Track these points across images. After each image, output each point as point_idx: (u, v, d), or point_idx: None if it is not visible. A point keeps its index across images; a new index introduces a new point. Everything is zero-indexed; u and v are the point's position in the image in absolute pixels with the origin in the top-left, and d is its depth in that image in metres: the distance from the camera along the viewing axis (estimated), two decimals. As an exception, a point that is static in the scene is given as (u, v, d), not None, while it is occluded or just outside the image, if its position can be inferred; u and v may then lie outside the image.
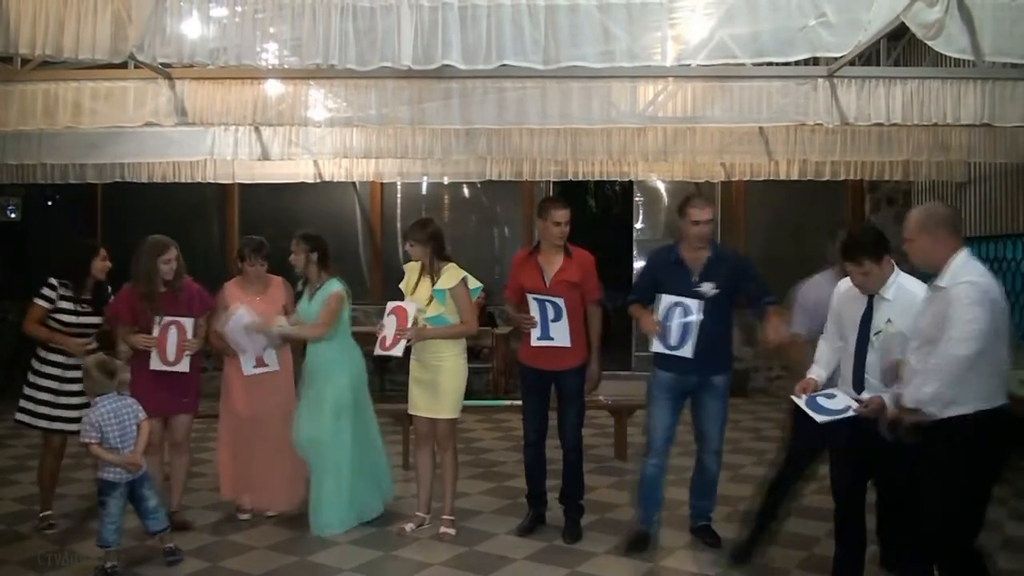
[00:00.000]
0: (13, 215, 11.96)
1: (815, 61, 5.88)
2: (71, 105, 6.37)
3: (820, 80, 6.14)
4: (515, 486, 6.82)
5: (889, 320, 4.25)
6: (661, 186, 11.84)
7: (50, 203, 12.27)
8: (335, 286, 5.93)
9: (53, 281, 5.81)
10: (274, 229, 11.81)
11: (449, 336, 5.72)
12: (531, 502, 5.99)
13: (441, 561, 5.34)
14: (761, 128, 7.78)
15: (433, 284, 5.70)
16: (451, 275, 5.71)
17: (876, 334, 4.28)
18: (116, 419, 5.00)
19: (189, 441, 6.10)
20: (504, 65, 4.76)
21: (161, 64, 5.62)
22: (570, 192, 13.12)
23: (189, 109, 6.32)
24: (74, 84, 6.37)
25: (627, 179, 10.73)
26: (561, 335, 5.63)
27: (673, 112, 6.55)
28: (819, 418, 4.25)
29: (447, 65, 4.71)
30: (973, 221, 9.57)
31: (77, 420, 5.41)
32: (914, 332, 4.04)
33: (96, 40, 4.84)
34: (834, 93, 6.13)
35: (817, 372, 4.57)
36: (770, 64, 5.77)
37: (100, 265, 5.94)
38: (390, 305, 5.76)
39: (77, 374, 5.51)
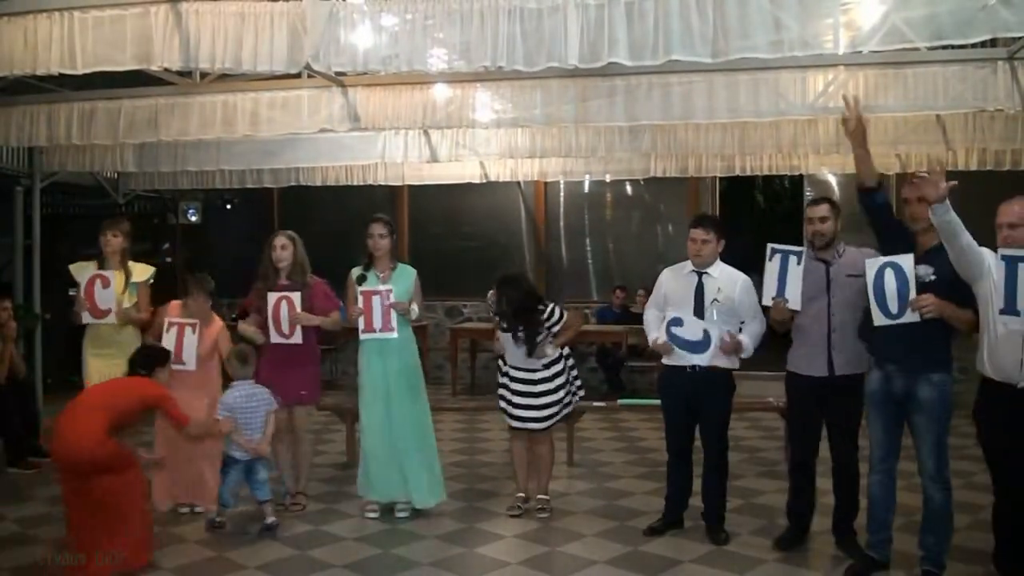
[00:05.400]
0: (194, 218, 12.79)
1: (993, 43, 5.58)
2: (249, 115, 6.73)
3: (1000, 63, 5.85)
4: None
5: None
6: (832, 180, 11.43)
7: (228, 206, 13.01)
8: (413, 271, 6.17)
9: None
10: (442, 228, 12.17)
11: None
12: None
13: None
14: (938, 116, 7.41)
15: None
16: None
17: None
18: (245, 404, 5.47)
19: (305, 430, 6.32)
20: (670, 60, 4.71)
21: (335, 72, 5.82)
22: (736, 188, 12.89)
23: (362, 115, 6.56)
24: (251, 95, 6.73)
25: (797, 173, 10.39)
26: None
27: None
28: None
29: (612, 62, 4.71)
30: None
31: None
32: None
33: (273, 52, 5.13)
34: (1015, 76, 5.82)
35: None
36: (945, 48, 5.52)
37: None
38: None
39: None
